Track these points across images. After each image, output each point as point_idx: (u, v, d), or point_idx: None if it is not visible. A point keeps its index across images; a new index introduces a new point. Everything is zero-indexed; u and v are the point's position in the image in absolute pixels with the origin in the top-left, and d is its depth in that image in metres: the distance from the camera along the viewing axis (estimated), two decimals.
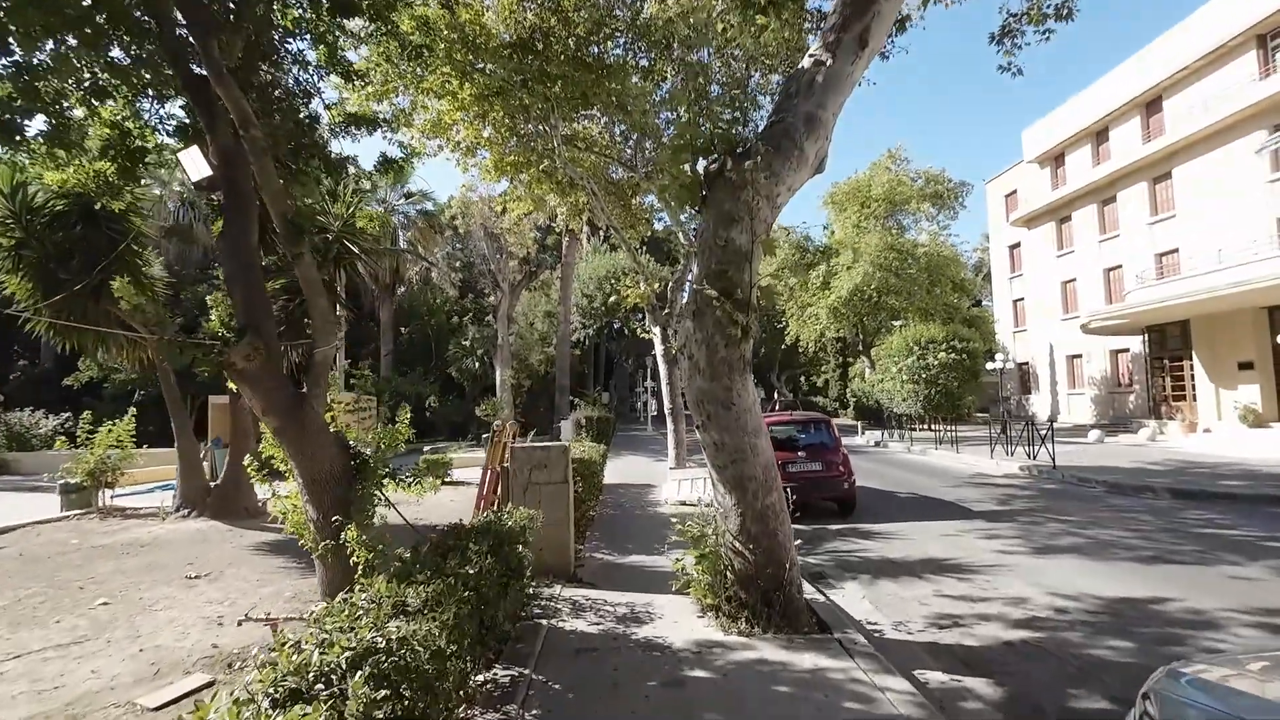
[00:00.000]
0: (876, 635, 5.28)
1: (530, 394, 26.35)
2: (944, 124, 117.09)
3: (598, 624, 5.05)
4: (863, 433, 27.48)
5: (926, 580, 6.65)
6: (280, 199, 5.02)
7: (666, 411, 11.03)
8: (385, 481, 5.47)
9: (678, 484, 10.38)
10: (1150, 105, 26.14)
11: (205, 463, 19.00)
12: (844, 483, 9.73)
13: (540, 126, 13.20)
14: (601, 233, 25.69)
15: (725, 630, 4.87)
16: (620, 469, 15.65)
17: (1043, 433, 13.51)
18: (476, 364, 25.43)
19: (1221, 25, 22.82)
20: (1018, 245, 34.19)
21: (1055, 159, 31.07)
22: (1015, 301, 34.60)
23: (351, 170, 9.52)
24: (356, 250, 10.66)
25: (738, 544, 5.18)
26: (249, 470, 5.43)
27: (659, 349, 11.09)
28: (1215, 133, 22.76)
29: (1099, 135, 28.63)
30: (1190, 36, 24.14)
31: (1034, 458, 13.63)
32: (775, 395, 39.17)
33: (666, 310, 11.20)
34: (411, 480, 5.61)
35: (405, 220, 25.54)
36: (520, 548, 4.78)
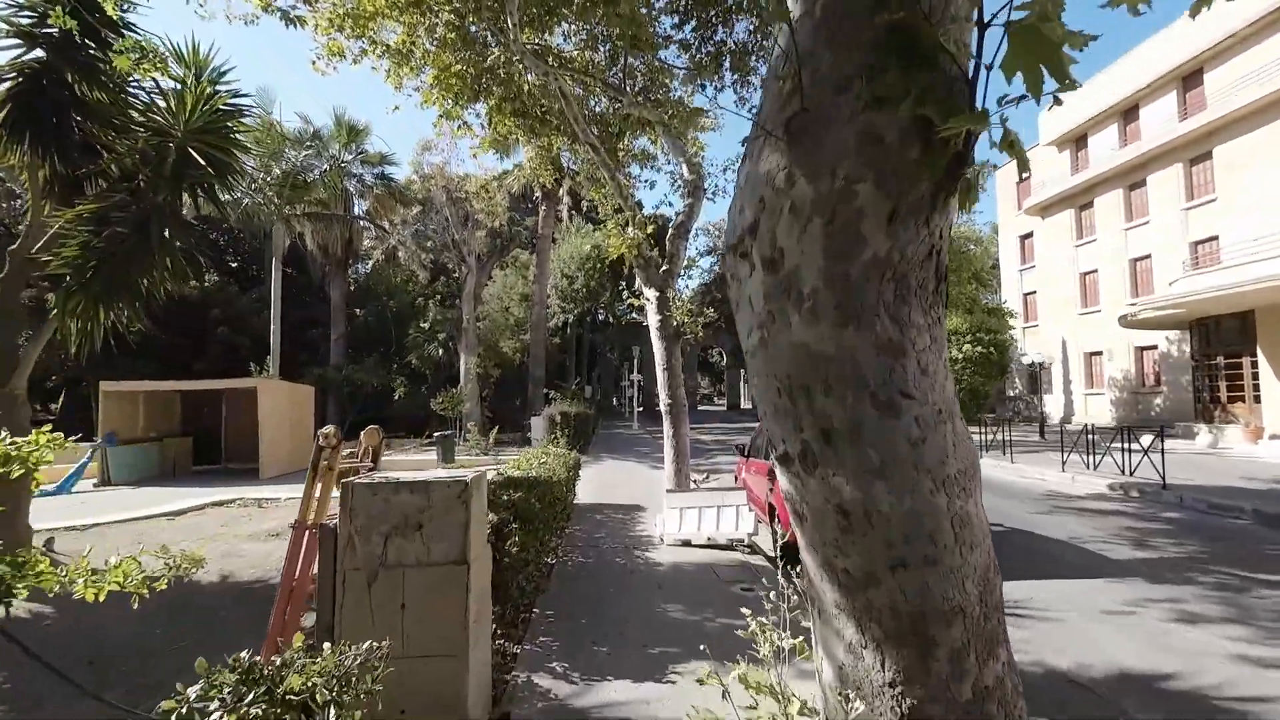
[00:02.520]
0: None
1: (501, 385, 22.77)
2: None
3: None
4: None
5: None
6: None
7: (663, 407, 7.57)
8: None
9: (679, 514, 7.00)
10: (1189, 79, 23.15)
11: (93, 463, 15.31)
12: None
13: (499, 34, 9.75)
14: (584, 201, 22.19)
15: None
16: (599, 480, 12.21)
17: (1145, 443, 10.25)
18: (440, 350, 21.80)
19: None
20: (1030, 235, 31.19)
21: (1076, 141, 28.06)
22: (1026, 295, 31.59)
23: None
24: (210, 168, 7.03)
25: None
26: None
27: (654, 320, 7.57)
28: (1266, 106, 19.81)
29: (1127, 114, 25.63)
30: (1237, 2, 21.19)
31: (1131, 473, 10.38)
32: None
33: (666, 267, 7.69)
34: (33, 570, 2.13)
35: (361, 186, 21.80)
36: None
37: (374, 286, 25.40)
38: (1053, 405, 28.85)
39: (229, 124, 7.51)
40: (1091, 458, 11.62)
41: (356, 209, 22.63)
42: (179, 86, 7.26)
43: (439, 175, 18.02)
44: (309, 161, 18.56)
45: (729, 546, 6.67)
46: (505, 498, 5.09)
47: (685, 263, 7.99)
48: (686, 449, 7.66)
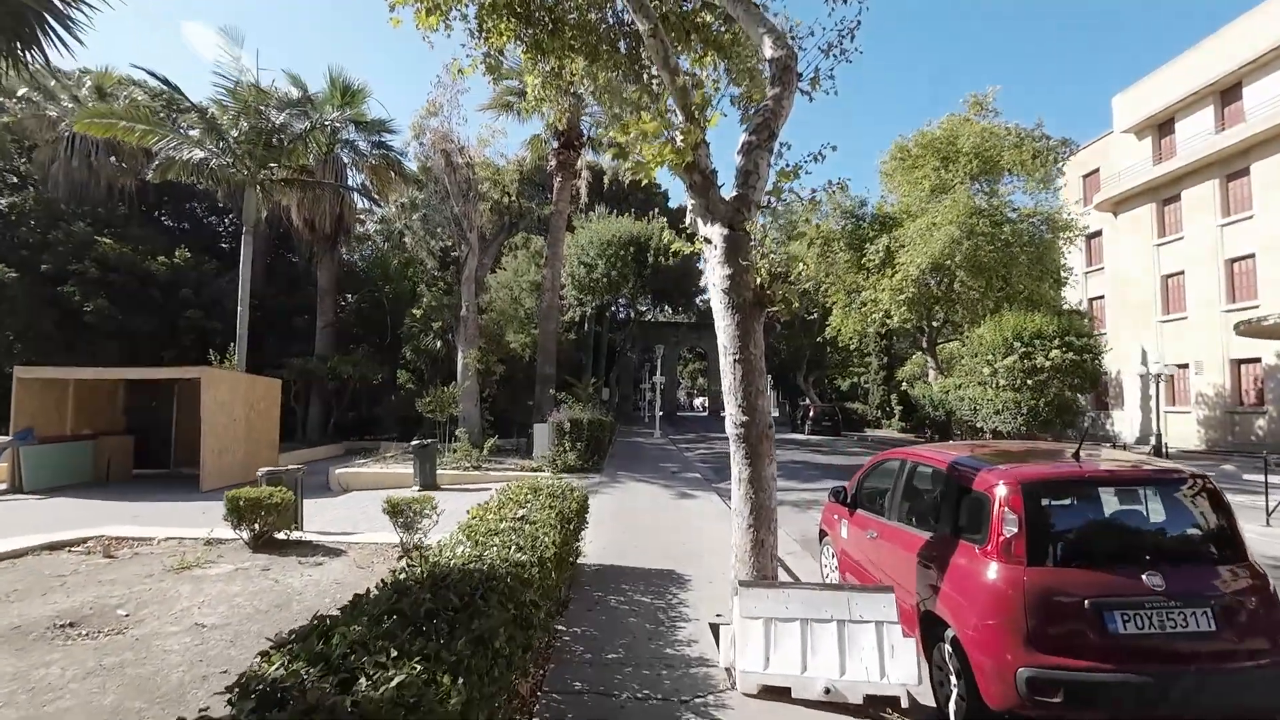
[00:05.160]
0: None
1: (508, 383, 19.51)
2: (1009, 94, 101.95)
3: None
4: None
5: None
6: None
7: (731, 430, 4.12)
8: None
9: (765, 630, 3.71)
10: None
11: (2, 463, 12.40)
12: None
13: None
14: (606, 181, 19.05)
15: None
16: (616, 517, 8.90)
17: None
18: (438, 342, 18.69)
19: None
20: (1098, 234, 27.31)
21: (1159, 127, 24.23)
22: (1092, 300, 27.74)
23: None
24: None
25: None
26: None
27: (717, 276, 4.16)
28: None
29: (1227, 94, 21.78)
30: None
31: None
32: (804, 401, 32.21)
33: (739, 191, 4.37)
34: None
35: (355, 155, 18.81)
36: None
37: (370, 271, 22.34)
38: (1125, 424, 25.00)
39: None
40: None
41: (351, 181, 19.67)
42: None
43: (439, 139, 14.96)
44: (290, 120, 15.54)
45: (868, 712, 3.33)
46: (383, 690, 1.82)
47: (770, 186, 4.57)
48: (773, 506, 4.15)
